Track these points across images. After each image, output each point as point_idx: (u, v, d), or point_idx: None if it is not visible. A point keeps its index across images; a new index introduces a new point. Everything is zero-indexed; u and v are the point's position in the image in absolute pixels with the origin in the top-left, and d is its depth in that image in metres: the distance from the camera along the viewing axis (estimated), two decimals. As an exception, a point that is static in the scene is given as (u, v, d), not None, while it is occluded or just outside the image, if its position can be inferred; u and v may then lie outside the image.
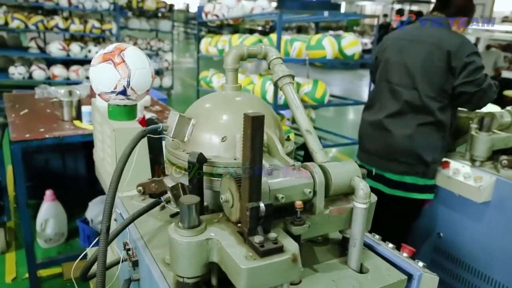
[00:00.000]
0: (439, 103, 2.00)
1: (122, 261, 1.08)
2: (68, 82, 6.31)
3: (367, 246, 1.01)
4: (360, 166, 0.94)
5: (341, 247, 1.00)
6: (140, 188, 1.17)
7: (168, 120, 1.03)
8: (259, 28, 14.58)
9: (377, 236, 1.04)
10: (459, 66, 1.91)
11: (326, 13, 3.85)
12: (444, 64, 1.94)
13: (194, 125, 1.02)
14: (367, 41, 13.92)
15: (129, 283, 1.09)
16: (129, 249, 1.09)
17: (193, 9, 24.24)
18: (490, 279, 2.00)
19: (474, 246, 2.05)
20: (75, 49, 6.37)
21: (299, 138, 3.59)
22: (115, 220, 1.27)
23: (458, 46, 1.93)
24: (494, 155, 2.04)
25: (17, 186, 2.32)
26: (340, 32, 10.79)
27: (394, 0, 18.31)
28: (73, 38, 7.00)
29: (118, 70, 1.43)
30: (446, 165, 2.10)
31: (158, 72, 7.73)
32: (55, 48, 6.28)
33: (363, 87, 10.24)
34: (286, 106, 3.50)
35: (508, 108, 2.19)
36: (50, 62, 6.54)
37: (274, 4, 5.07)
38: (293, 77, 1.10)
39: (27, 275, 2.52)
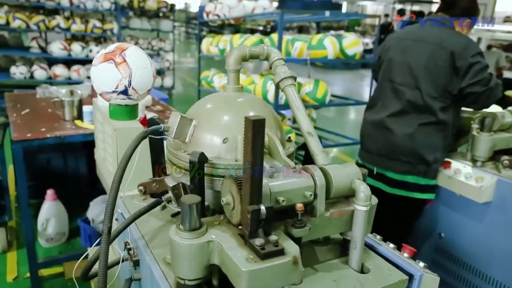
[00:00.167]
0: (441, 103, 1.99)
1: (123, 261, 1.08)
2: (69, 81, 6.32)
3: (368, 246, 1.01)
4: (361, 165, 0.94)
5: (342, 247, 1.00)
6: (141, 187, 1.18)
7: (169, 121, 1.03)
8: (260, 28, 14.59)
9: (378, 236, 1.04)
10: (464, 66, 1.91)
11: (327, 13, 3.84)
12: (447, 64, 1.94)
13: (196, 126, 1.02)
14: (369, 41, 13.91)
15: (130, 282, 1.09)
16: (130, 249, 1.09)
17: (194, 9, 24.25)
18: (491, 280, 2.00)
19: (475, 247, 2.05)
20: (77, 48, 6.38)
21: (300, 138, 3.59)
22: (116, 219, 1.27)
23: (462, 47, 1.93)
24: (495, 156, 2.04)
25: (18, 186, 2.33)
26: (342, 32, 10.77)
27: (396, 0, 18.28)
28: (75, 37, 7.01)
29: (119, 69, 1.44)
30: (447, 165, 2.09)
31: (159, 72, 7.73)
32: (57, 48, 6.29)
33: (364, 87, 10.23)
34: (287, 106, 3.50)
35: (510, 108, 2.19)
36: (52, 61, 6.55)
37: (275, 4, 5.06)
38: (295, 78, 1.10)
39: (28, 274, 2.53)
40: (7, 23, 6.10)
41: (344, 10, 17.32)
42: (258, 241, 0.74)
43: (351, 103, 4.51)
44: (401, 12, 12.87)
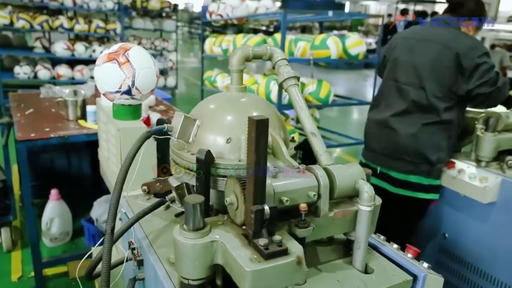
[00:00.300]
0: (446, 103, 1.99)
1: (127, 260, 1.09)
2: (73, 81, 6.35)
3: (372, 247, 1.01)
4: (365, 164, 0.94)
5: (346, 248, 1.00)
6: (145, 187, 1.18)
7: (173, 121, 1.03)
8: (263, 28, 14.58)
9: (382, 237, 1.04)
10: (471, 66, 1.90)
11: (330, 13, 3.85)
12: (452, 64, 1.93)
13: (199, 126, 1.02)
14: (372, 41, 13.85)
15: (134, 282, 1.09)
16: (134, 248, 1.09)
17: (197, 9, 24.28)
18: (495, 280, 1.99)
19: (480, 247, 2.04)
20: (80, 49, 6.40)
21: (301, 138, 3.58)
22: (120, 219, 1.28)
23: (468, 47, 1.92)
24: (499, 156, 2.03)
25: (22, 185, 2.34)
26: (345, 32, 10.77)
27: (399, 0, 18.22)
28: (78, 38, 7.04)
29: (122, 69, 1.44)
30: (451, 165, 2.09)
31: (163, 72, 7.75)
32: (60, 48, 6.31)
33: (367, 87, 10.20)
34: (290, 106, 3.49)
35: (514, 108, 2.18)
36: (55, 61, 6.58)
37: (278, 4, 5.07)
38: (298, 78, 1.10)
39: (32, 273, 2.54)
40: (11, 23, 6.13)
41: (347, 10, 17.31)
42: (262, 241, 0.74)
43: (354, 103, 4.51)
44: (404, 12, 12.82)
